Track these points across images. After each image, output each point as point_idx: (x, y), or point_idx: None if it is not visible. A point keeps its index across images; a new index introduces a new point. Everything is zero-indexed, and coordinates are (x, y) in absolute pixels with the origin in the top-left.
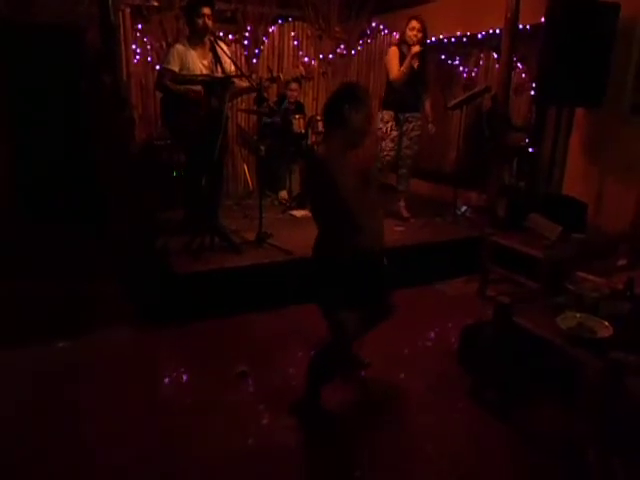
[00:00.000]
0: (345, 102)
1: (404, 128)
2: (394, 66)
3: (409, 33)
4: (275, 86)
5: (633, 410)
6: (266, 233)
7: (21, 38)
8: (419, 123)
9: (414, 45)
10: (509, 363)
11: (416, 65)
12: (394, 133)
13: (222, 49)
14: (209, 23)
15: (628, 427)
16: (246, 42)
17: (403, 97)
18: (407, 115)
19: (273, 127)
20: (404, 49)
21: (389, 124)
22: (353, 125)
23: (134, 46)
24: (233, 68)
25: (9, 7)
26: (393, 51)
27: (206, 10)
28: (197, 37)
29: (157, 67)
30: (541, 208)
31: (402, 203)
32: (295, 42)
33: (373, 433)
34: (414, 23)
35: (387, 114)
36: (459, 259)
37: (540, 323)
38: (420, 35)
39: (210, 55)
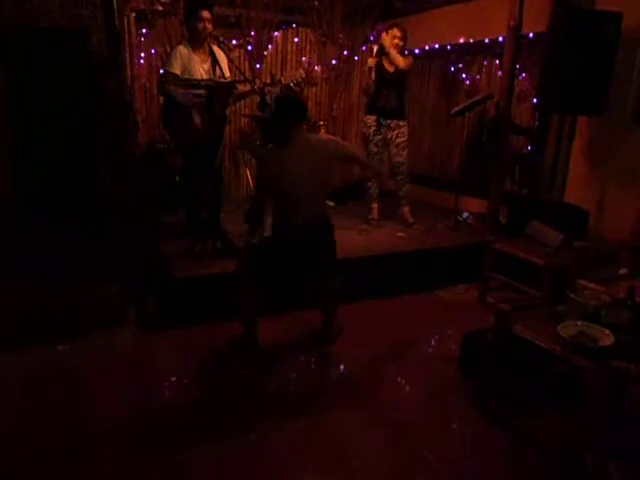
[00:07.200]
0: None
1: (388, 136)
2: (397, 58)
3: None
4: (278, 90)
5: (634, 418)
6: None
7: (24, 41)
8: (403, 130)
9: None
10: (510, 370)
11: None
12: (377, 137)
13: (224, 52)
14: (209, 27)
15: (628, 434)
16: (250, 47)
17: (386, 103)
18: (389, 122)
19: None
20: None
21: (372, 129)
22: None
23: (138, 50)
24: (230, 74)
25: (12, 10)
26: (373, 60)
27: (205, 14)
28: (197, 41)
29: (161, 70)
30: (543, 215)
31: (407, 208)
32: (298, 48)
33: (372, 434)
34: (396, 31)
35: (370, 119)
36: (460, 266)
37: (541, 331)
38: (402, 44)
39: (210, 59)
